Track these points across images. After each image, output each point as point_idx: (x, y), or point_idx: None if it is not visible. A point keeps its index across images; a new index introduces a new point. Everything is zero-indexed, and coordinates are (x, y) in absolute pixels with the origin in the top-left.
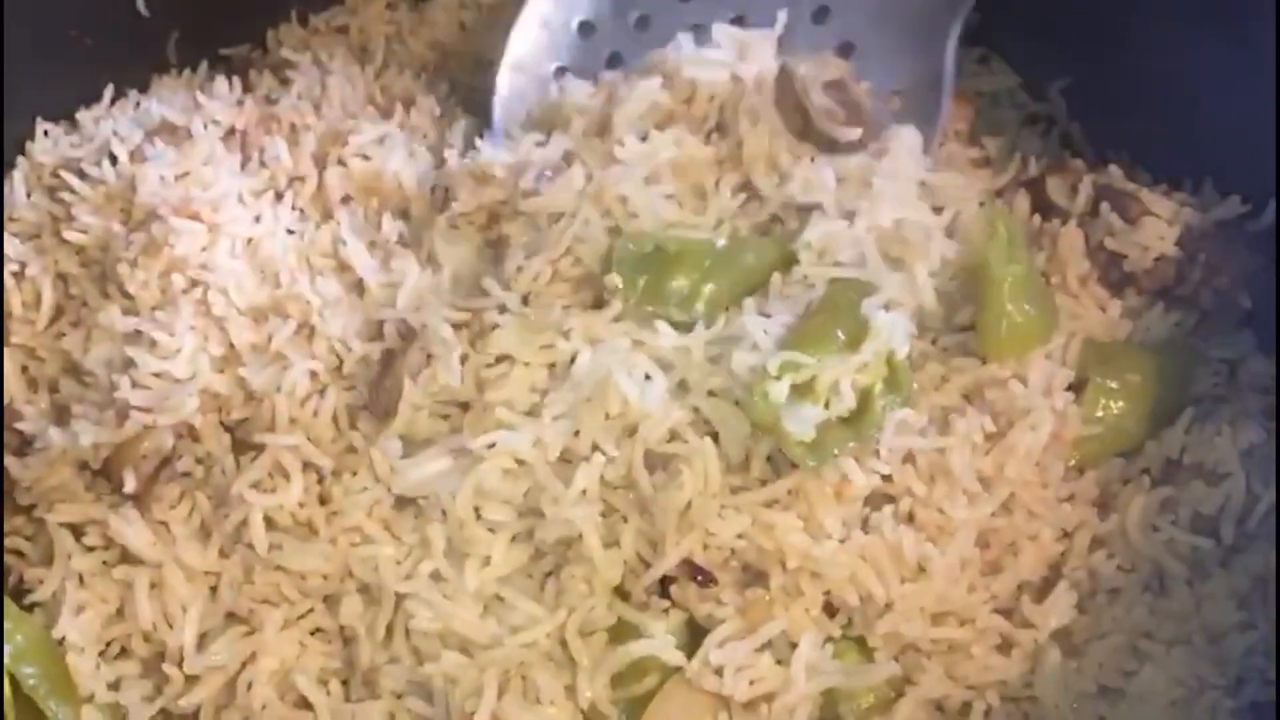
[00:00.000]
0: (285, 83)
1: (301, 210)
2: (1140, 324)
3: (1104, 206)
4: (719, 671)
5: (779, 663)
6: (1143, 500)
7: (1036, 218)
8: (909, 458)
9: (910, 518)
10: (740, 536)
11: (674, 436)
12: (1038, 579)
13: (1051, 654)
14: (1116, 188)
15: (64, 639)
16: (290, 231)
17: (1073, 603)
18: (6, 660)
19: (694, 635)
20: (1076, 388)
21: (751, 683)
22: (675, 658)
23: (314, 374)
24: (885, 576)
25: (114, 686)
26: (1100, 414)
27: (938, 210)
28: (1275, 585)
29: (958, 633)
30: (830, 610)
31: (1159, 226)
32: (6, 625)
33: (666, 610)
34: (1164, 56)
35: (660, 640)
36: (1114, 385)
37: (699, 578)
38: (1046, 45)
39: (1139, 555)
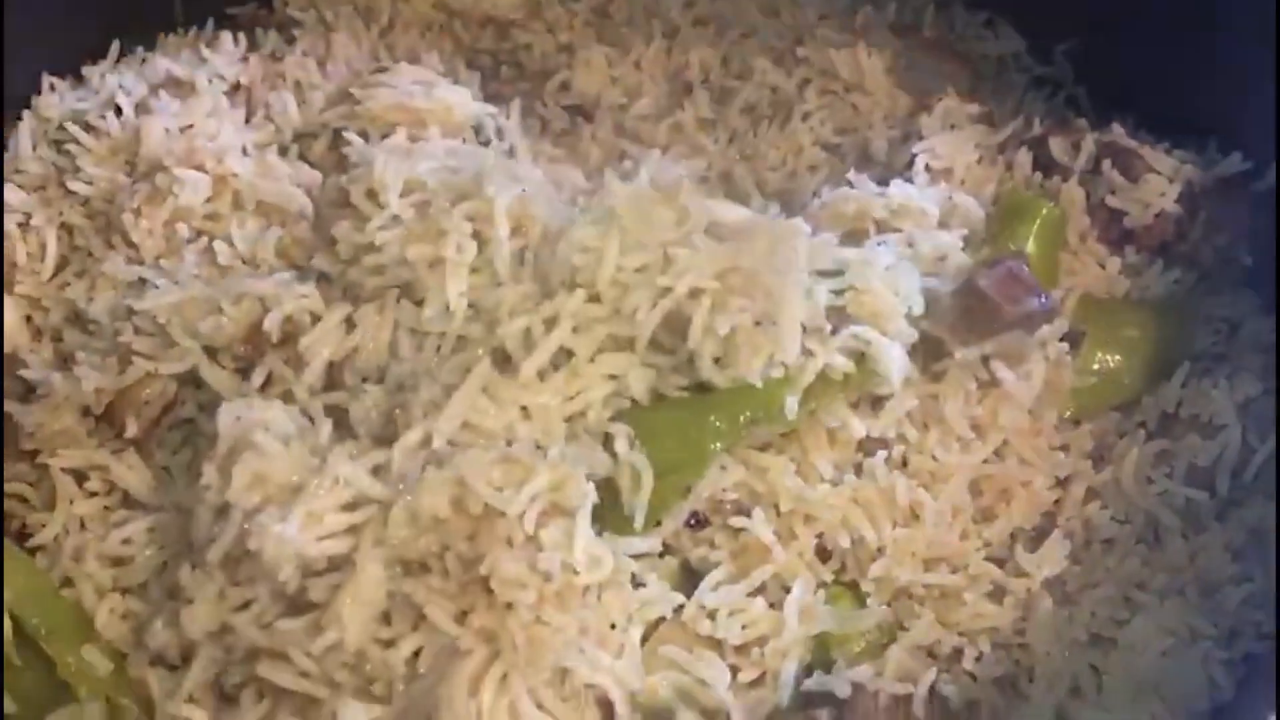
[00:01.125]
0: (291, 41)
1: (311, 165)
2: (1139, 281)
3: (1106, 164)
4: (712, 615)
5: (772, 606)
6: (1138, 452)
7: (1038, 175)
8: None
9: (904, 463)
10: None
11: None
12: (1031, 528)
13: (1044, 602)
14: (1119, 145)
15: (69, 581)
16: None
17: (1065, 552)
18: (9, 602)
19: (687, 579)
20: (1073, 341)
21: (744, 627)
22: (674, 600)
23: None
24: (878, 521)
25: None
26: (1096, 366)
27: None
28: (1275, 538)
29: (950, 579)
30: (823, 555)
31: (1160, 183)
32: (8, 567)
33: (661, 555)
34: (1170, 18)
35: (657, 588)
36: (1111, 340)
37: (692, 521)
38: (1052, 7)
39: (1133, 507)
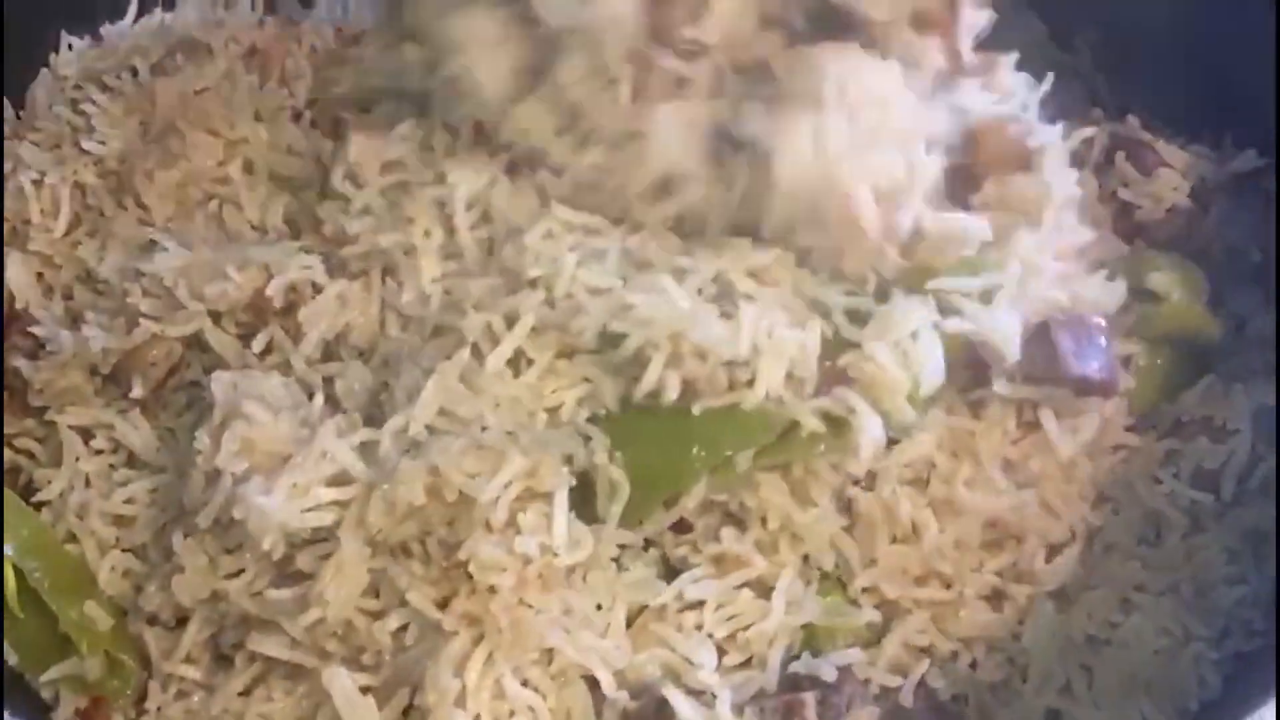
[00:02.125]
0: (308, 4)
1: (323, 132)
2: None
3: (1119, 156)
4: (696, 607)
5: (758, 597)
6: (1146, 452)
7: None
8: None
9: (923, 481)
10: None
11: None
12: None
13: (1045, 607)
14: (1133, 138)
15: (73, 537)
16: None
17: (1084, 560)
18: (12, 555)
19: (669, 573)
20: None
21: (730, 618)
22: (659, 587)
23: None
24: (873, 539)
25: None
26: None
27: None
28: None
29: (943, 594)
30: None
31: (1173, 178)
32: (13, 521)
33: (645, 548)
34: (1191, 10)
35: (641, 574)
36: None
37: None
38: None
39: (1139, 506)
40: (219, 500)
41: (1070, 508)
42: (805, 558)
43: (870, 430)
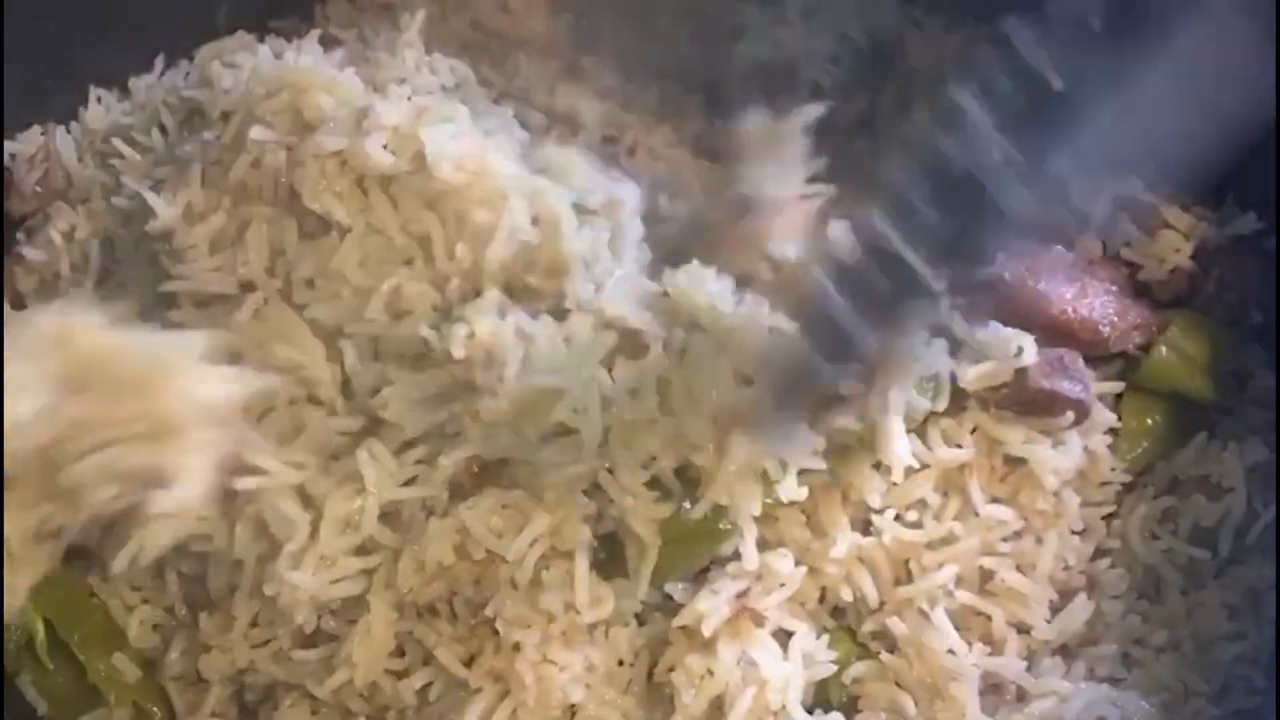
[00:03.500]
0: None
1: None
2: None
3: (1123, 216)
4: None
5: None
6: (1145, 509)
7: None
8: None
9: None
10: None
11: None
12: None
13: (1045, 659)
14: (1136, 198)
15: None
16: None
17: (1087, 615)
18: (41, 607)
19: None
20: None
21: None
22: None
23: None
24: (881, 578)
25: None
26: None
27: None
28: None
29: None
30: (825, 601)
31: (1175, 239)
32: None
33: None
34: (1195, 71)
35: (662, 627)
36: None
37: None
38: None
39: (1137, 562)
40: (249, 582)
41: (1062, 541)
42: (823, 593)
43: (899, 446)
